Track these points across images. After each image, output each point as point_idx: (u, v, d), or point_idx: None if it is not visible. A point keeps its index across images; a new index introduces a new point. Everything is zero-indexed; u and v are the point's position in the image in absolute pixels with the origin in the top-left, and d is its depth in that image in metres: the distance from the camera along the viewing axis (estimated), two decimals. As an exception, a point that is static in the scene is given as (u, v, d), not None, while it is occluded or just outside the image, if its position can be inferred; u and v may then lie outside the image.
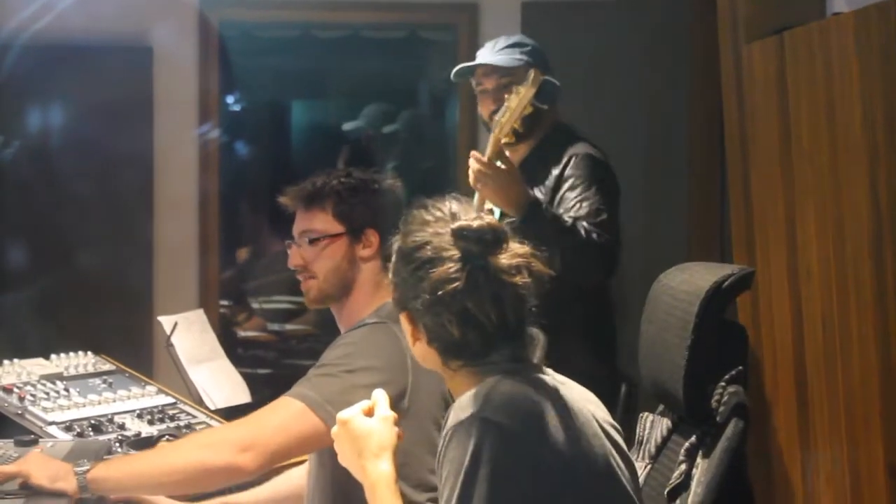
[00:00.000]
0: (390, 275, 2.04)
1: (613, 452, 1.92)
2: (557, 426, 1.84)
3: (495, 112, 3.73)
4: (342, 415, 2.10)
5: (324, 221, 2.78)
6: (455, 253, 1.95)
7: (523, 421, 1.81)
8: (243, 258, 5.88)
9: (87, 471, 2.49)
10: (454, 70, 3.96)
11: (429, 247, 1.97)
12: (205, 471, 2.49)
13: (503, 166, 3.54)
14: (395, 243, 2.04)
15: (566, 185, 3.64)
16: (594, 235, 3.47)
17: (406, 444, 2.49)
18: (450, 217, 2.01)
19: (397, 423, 2.10)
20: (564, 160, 3.66)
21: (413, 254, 1.98)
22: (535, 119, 3.62)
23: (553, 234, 3.43)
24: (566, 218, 3.52)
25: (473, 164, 3.53)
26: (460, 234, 1.95)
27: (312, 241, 2.79)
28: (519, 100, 3.49)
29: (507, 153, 3.64)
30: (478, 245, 1.95)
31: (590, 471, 1.85)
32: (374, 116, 7.17)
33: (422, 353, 2.03)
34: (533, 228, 3.44)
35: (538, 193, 3.64)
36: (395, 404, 2.22)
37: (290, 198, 2.83)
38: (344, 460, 2.09)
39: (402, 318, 2.03)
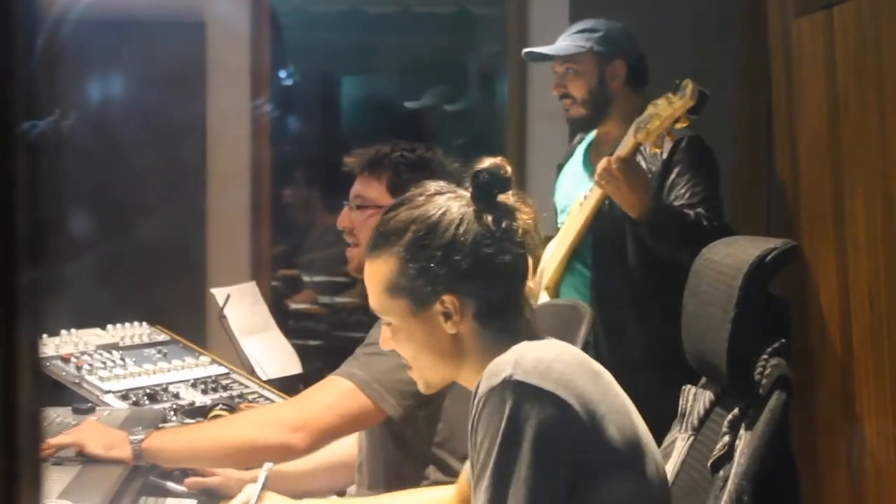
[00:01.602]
0: (410, 272, 1.96)
1: (640, 421, 1.94)
2: (593, 392, 1.85)
3: (564, 97, 3.76)
4: None
5: (376, 190, 2.78)
6: (464, 209, 1.96)
7: (557, 381, 1.81)
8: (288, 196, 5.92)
9: (142, 440, 2.52)
10: (524, 52, 3.96)
11: (448, 214, 1.96)
12: (257, 448, 2.54)
13: (632, 171, 3.48)
14: (402, 236, 1.97)
15: (675, 172, 3.58)
16: (714, 223, 3.43)
17: (453, 417, 2.52)
18: (436, 191, 2.01)
19: None
20: (671, 145, 3.59)
21: (437, 227, 1.95)
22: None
23: (681, 231, 3.45)
24: (686, 211, 3.50)
25: (610, 163, 3.43)
26: (480, 175, 1.96)
27: (360, 208, 2.79)
28: (672, 111, 3.36)
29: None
30: (496, 183, 1.96)
31: (625, 435, 1.87)
32: (441, 95, 7.21)
33: (447, 345, 1.99)
34: (661, 227, 3.45)
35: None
36: None
37: (354, 160, 2.84)
38: None
39: (445, 305, 1.95)
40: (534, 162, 5.44)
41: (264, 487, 2.33)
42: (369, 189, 2.80)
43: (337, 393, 2.53)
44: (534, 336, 1.96)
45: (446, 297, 1.94)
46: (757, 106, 4.58)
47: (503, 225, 1.96)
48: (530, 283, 2.01)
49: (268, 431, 2.53)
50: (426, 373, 2.04)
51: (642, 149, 3.60)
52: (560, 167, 4.01)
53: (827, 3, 3.59)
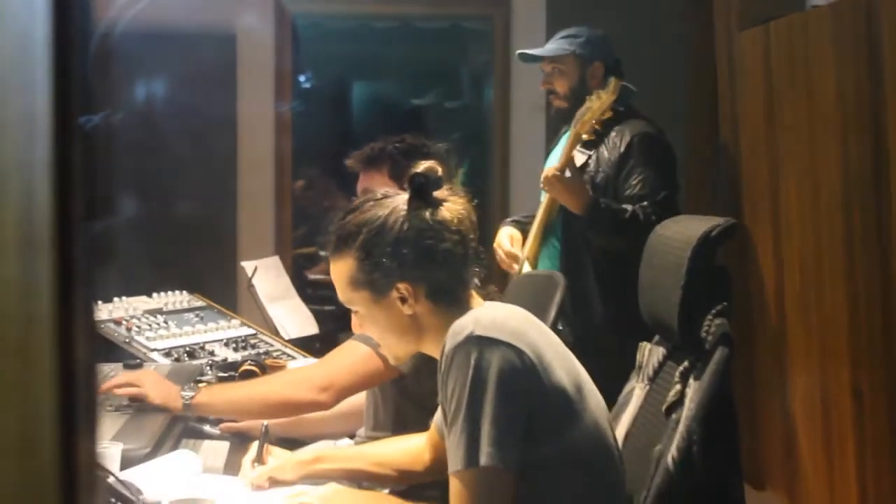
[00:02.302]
0: (367, 268, 1.97)
1: (580, 367, 1.96)
2: (538, 339, 1.87)
3: (550, 93, 3.78)
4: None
5: (380, 181, 2.76)
6: (405, 209, 1.96)
7: (512, 334, 1.82)
8: (300, 186, 5.90)
9: (193, 396, 2.53)
10: (517, 52, 3.98)
11: (392, 214, 1.96)
12: (291, 404, 2.56)
13: (569, 174, 3.54)
14: (357, 238, 1.97)
15: (629, 165, 3.60)
16: (652, 217, 3.41)
17: None
18: (382, 196, 2.02)
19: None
20: (627, 140, 3.61)
21: (385, 227, 1.96)
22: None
23: (615, 225, 3.47)
24: (625, 207, 3.51)
25: (547, 174, 3.55)
26: (416, 178, 1.96)
27: None
28: (601, 104, 3.52)
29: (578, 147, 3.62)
30: (430, 183, 1.96)
31: (570, 377, 1.88)
32: (441, 94, 7.24)
33: (407, 324, 1.99)
34: (597, 222, 3.48)
35: (607, 170, 3.62)
36: None
37: (353, 161, 2.83)
38: None
39: (400, 292, 1.96)
40: (516, 150, 5.45)
41: (265, 441, 2.33)
42: (374, 182, 2.77)
43: (357, 357, 2.53)
44: (480, 304, 1.99)
45: (400, 285, 1.95)
46: (706, 109, 4.57)
47: (439, 217, 1.97)
48: (476, 264, 2.02)
49: (299, 390, 2.54)
50: (393, 349, 2.05)
51: (606, 142, 3.62)
52: (548, 153, 4.01)
53: (765, 19, 3.58)
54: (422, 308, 1.97)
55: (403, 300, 1.96)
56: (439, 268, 1.97)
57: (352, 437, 2.93)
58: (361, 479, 2.30)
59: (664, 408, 2.04)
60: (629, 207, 3.49)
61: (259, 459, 2.27)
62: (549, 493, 1.85)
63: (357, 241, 1.97)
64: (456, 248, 1.98)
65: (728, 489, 2.04)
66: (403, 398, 2.62)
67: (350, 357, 2.55)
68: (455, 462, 1.82)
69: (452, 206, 1.99)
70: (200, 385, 2.63)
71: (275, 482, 2.24)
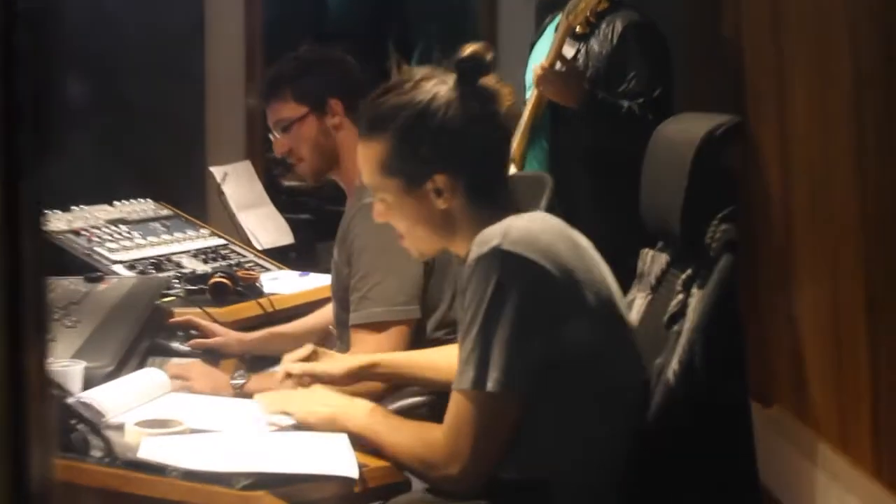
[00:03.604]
0: (403, 154, 1.93)
1: (615, 286, 1.95)
2: (573, 261, 1.85)
3: None
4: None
5: (288, 108, 2.75)
6: (450, 94, 1.93)
7: (543, 253, 1.81)
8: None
9: (243, 385, 2.47)
10: None
11: (436, 99, 1.93)
12: None
13: (562, 67, 3.50)
14: (394, 121, 1.94)
15: (621, 60, 3.55)
16: (648, 116, 3.37)
17: (434, 291, 2.51)
18: (422, 77, 1.97)
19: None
20: (619, 31, 3.55)
21: (427, 112, 1.92)
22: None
23: (612, 121, 3.44)
24: (621, 103, 3.47)
25: (537, 70, 3.51)
26: (463, 62, 1.93)
27: (285, 129, 2.76)
28: None
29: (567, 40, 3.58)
30: (477, 68, 1.94)
31: (600, 300, 1.88)
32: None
33: (439, 219, 1.96)
34: (593, 117, 3.45)
35: (597, 64, 3.58)
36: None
37: (256, 98, 2.81)
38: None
39: (437, 184, 1.92)
40: (504, 43, 5.37)
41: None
42: (281, 111, 2.76)
43: (376, 339, 2.49)
44: (518, 209, 1.96)
45: (438, 177, 1.93)
46: (708, 15, 4.50)
47: (487, 107, 1.94)
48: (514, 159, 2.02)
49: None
50: (419, 243, 2.03)
51: (596, 34, 3.57)
52: (532, 45, 3.95)
53: None
54: (457, 203, 1.95)
55: (439, 193, 1.94)
56: (481, 162, 1.95)
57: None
58: (415, 385, 2.31)
59: (665, 318, 2.04)
60: (625, 103, 3.47)
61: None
62: (560, 426, 1.86)
63: (394, 124, 1.94)
64: (501, 142, 1.97)
65: (734, 405, 2.04)
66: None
67: (371, 342, 2.49)
68: (461, 380, 1.82)
69: (500, 96, 1.96)
70: (249, 374, 2.55)
71: (321, 381, 2.20)
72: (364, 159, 2.00)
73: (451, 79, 1.96)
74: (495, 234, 1.82)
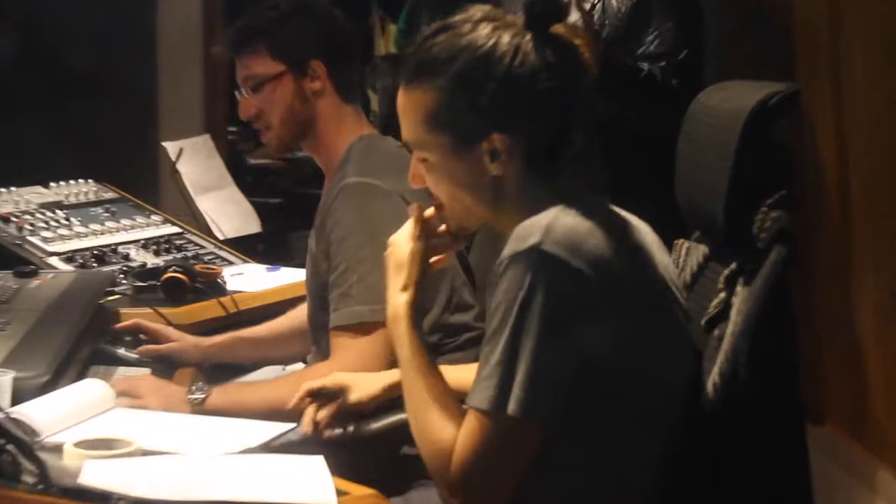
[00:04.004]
0: (458, 105, 1.90)
1: (678, 302, 1.94)
2: (621, 265, 1.83)
3: None
4: (393, 238, 2.07)
5: (262, 64, 2.71)
6: (517, 39, 1.89)
7: (589, 259, 1.79)
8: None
9: (203, 400, 2.45)
10: None
11: (500, 45, 1.89)
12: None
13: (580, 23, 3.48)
14: (449, 66, 1.90)
15: (641, 17, 3.54)
16: (672, 80, 3.37)
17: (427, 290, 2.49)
18: (483, 16, 1.93)
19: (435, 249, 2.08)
20: None
21: (491, 58, 1.88)
22: None
23: (628, 87, 3.40)
24: (639, 66, 3.44)
25: None
26: (534, 5, 1.89)
27: (256, 89, 2.72)
28: None
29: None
30: (550, 12, 1.90)
31: (655, 311, 1.87)
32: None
33: (488, 187, 1.94)
34: (606, 81, 3.42)
35: (616, 22, 3.56)
36: None
37: (219, 49, 2.78)
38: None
39: (493, 144, 1.89)
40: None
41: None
42: (253, 66, 2.72)
43: (360, 344, 2.48)
44: (579, 192, 1.92)
45: (495, 136, 1.89)
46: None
47: (563, 60, 1.90)
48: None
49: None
50: (461, 215, 2.00)
51: None
52: None
53: None
54: (512, 171, 1.91)
55: (494, 155, 1.90)
56: (549, 124, 1.91)
57: (304, 361, 2.93)
58: None
59: (704, 321, 2.03)
60: (645, 66, 3.45)
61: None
62: (590, 456, 1.85)
63: (450, 70, 1.90)
64: (576, 103, 1.93)
65: (784, 423, 2.03)
66: None
67: (361, 344, 2.48)
68: (478, 396, 1.81)
69: (577, 47, 1.93)
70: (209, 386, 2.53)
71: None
72: (406, 111, 1.96)
73: (517, 22, 1.92)
74: (537, 229, 1.80)
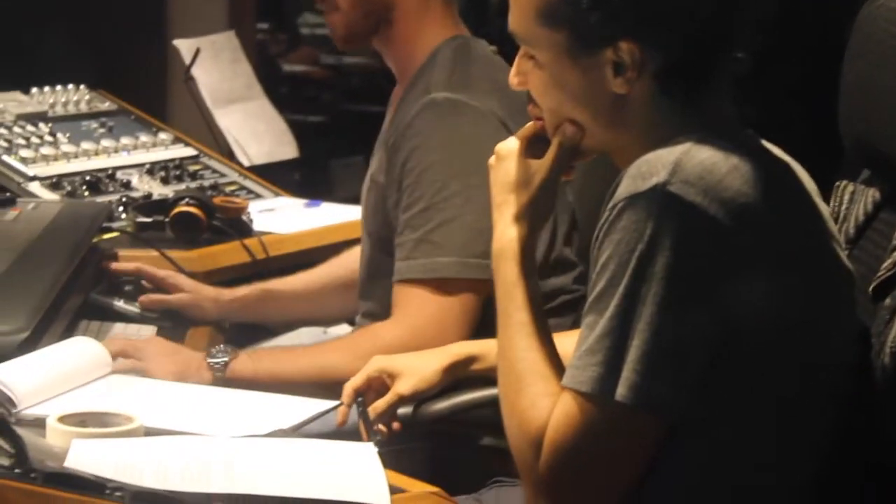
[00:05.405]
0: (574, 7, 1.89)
1: (841, 261, 1.94)
2: (770, 212, 1.82)
3: None
4: (500, 147, 2.06)
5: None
6: None
7: (727, 203, 1.78)
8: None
9: (227, 363, 2.48)
10: None
11: None
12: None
13: None
14: None
15: None
16: None
17: None
18: None
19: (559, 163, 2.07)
20: None
21: None
22: None
23: None
24: None
25: None
26: None
27: None
28: None
29: None
30: None
31: (811, 285, 1.85)
32: None
33: (607, 107, 1.94)
34: None
35: None
36: None
37: None
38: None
39: (620, 54, 1.89)
40: None
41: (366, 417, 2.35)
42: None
43: (436, 304, 2.50)
44: (719, 125, 1.92)
45: (624, 43, 1.88)
46: None
47: None
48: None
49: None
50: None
51: None
52: None
53: None
54: (640, 90, 1.91)
55: (619, 69, 1.90)
56: (694, 38, 1.90)
57: (351, 322, 2.94)
58: None
59: (872, 287, 2.01)
60: None
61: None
62: (724, 458, 1.85)
63: None
64: (727, 16, 1.91)
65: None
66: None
67: (430, 303, 2.51)
68: (577, 375, 1.81)
69: None
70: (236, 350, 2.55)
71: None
72: None
73: None
74: (663, 165, 1.79)
